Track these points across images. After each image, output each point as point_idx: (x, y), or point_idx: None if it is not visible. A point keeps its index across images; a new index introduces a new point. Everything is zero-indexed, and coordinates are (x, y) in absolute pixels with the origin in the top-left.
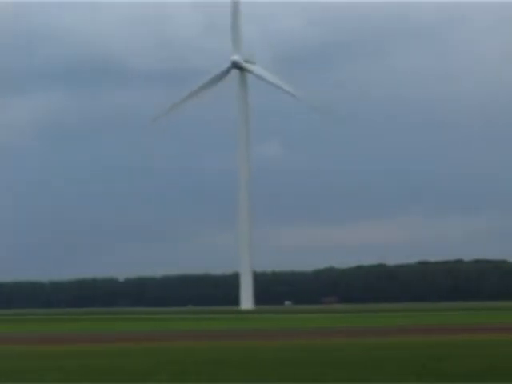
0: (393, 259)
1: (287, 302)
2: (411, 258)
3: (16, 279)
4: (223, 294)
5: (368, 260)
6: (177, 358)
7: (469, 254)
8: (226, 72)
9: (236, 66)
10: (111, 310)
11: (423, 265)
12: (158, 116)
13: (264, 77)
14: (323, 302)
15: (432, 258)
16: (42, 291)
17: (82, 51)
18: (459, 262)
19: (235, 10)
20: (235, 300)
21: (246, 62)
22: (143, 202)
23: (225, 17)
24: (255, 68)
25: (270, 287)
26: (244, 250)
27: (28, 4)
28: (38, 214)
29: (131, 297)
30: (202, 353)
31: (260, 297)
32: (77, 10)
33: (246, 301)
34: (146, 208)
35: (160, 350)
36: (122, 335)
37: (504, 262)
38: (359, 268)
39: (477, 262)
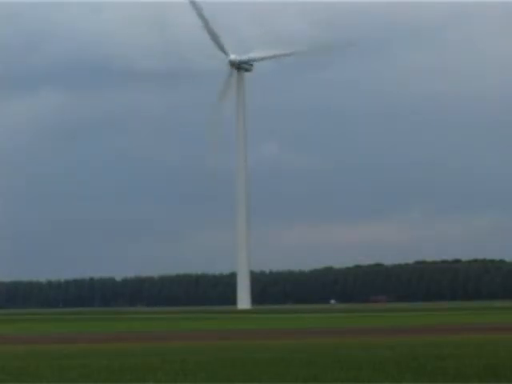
0: (391, 259)
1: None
2: (410, 258)
3: (14, 279)
4: (221, 294)
5: (366, 260)
6: (175, 357)
7: (468, 253)
8: (230, 73)
9: (233, 65)
10: (109, 309)
11: (421, 264)
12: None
13: (264, 56)
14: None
15: (430, 258)
16: (40, 291)
17: (82, 51)
18: (458, 261)
19: (198, 12)
20: (233, 300)
21: (244, 62)
22: (141, 202)
23: (225, 17)
24: (253, 55)
25: (268, 287)
26: (242, 250)
27: (28, 4)
28: (36, 213)
29: (129, 296)
30: (201, 352)
31: (258, 297)
32: (78, 10)
33: (244, 300)
34: (144, 208)
35: (158, 349)
36: (120, 335)
37: (502, 261)
38: (358, 268)
39: (476, 261)
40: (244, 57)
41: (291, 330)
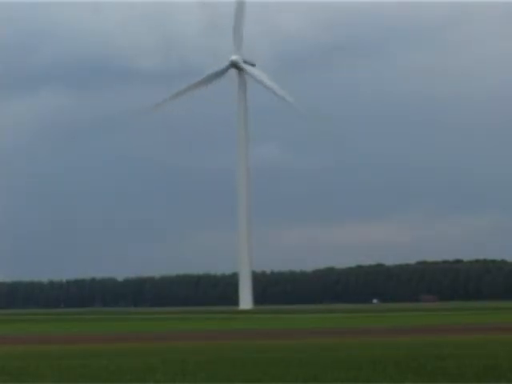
0: (392, 259)
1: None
2: (410, 258)
3: (15, 279)
4: (222, 294)
5: (367, 260)
6: (175, 357)
7: (468, 253)
8: (224, 71)
9: (235, 65)
10: (110, 309)
11: (422, 265)
12: (156, 105)
13: (261, 79)
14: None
15: (432, 258)
16: (41, 291)
17: (84, 50)
18: (459, 262)
19: (240, 9)
20: (234, 300)
21: (246, 62)
22: (143, 202)
23: (227, 16)
24: (253, 70)
25: (269, 287)
26: (243, 250)
27: (30, 4)
28: (37, 213)
29: (130, 297)
30: (201, 353)
31: (259, 297)
32: (79, 10)
33: (245, 301)
34: (145, 208)
35: (159, 349)
36: (121, 335)
37: (504, 261)
38: (359, 268)
39: (477, 261)
40: (246, 67)
41: (292, 331)
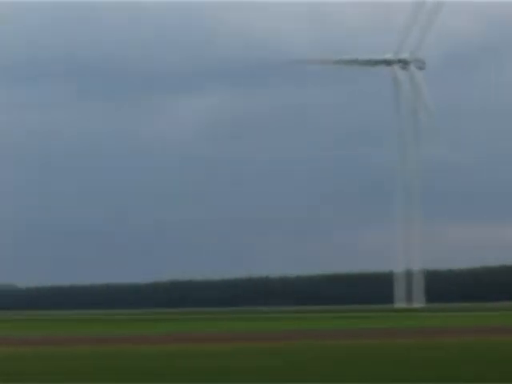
0: None
1: None
2: None
3: (190, 277)
4: (389, 292)
5: None
6: (326, 356)
7: None
8: (389, 63)
9: (404, 62)
10: (259, 309)
11: None
12: (318, 61)
13: (418, 86)
14: None
15: None
16: (197, 290)
17: (254, 49)
18: None
19: (421, 10)
20: (406, 298)
21: (417, 60)
22: (296, 197)
23: (391, 16)
24: (417, 73)
25: (440, 285)
26: (413, 248)
27: (203, 3)
28: (203, 213)
29: (285, 296)
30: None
31: (429, 295)
32: (246, 8)
33: (416, 299)
34: (298, 205)
35: (312, 347)
36: (271, 335)
37: None
38: None
39: None
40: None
41: (464, 328)
